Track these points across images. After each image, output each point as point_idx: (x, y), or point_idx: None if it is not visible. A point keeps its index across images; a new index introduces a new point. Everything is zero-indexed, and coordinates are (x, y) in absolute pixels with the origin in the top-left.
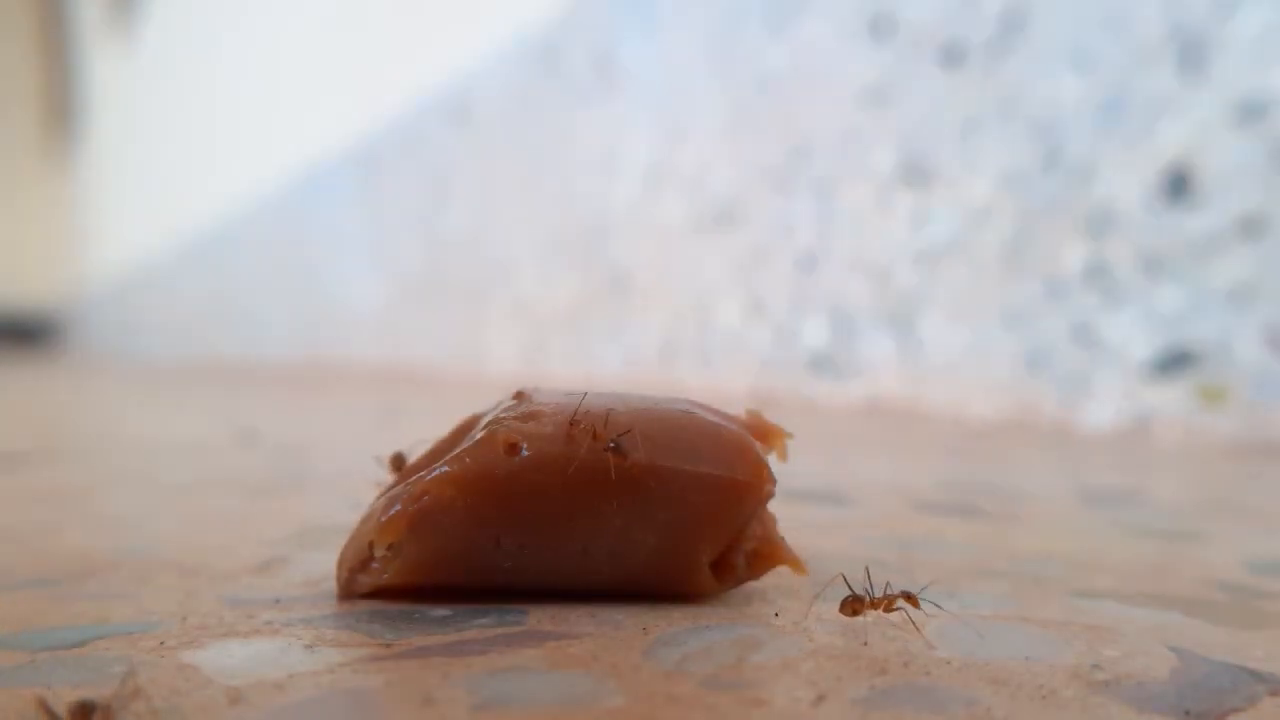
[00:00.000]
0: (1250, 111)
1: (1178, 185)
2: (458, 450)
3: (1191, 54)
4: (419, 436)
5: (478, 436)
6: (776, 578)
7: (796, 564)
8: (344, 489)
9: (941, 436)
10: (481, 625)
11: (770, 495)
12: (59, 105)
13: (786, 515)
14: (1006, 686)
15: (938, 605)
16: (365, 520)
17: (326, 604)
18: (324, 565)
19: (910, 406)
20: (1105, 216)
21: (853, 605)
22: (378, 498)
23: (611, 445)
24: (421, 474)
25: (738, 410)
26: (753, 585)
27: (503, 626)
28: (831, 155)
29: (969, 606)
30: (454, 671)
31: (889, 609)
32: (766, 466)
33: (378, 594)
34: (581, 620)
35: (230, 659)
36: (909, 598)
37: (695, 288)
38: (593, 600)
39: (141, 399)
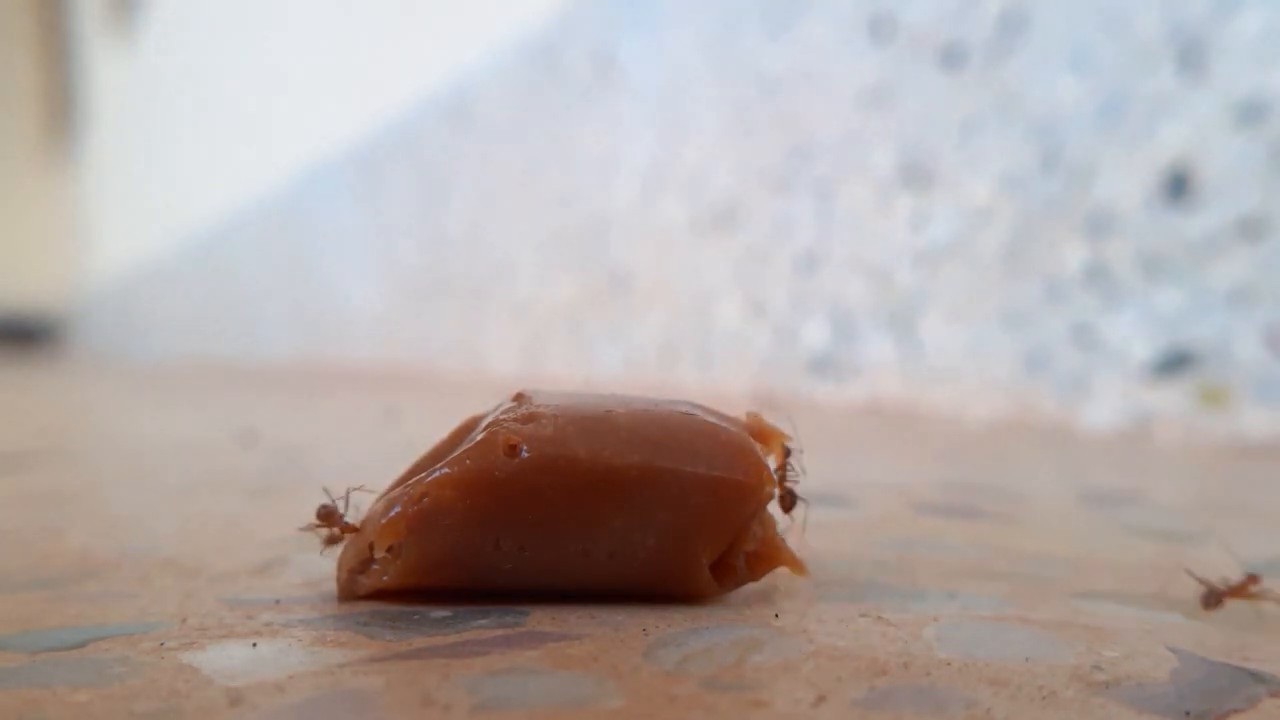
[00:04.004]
0: (1250, 112)
1: (1178, 186)
2: (458, 452)
3: (1191, 54)
4: (419, 437)
5: (478, 438)
6: (776, 579)
7: (796, 565)
8: (344, 490)
9: (942, 437)
10: (481, 626)
11: (770, 497)
12: (59, 105)
13: (786, 516)
14: (1006, 687)
15: None
16: (365, 522)
17: (326, 605)
18: (324, 566)
19: (910, 407)
20: (1105, 217)
21: (1218, 596)
22: (377, 499)
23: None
24: (421, 476)
25: (738, 411)
26: (753, 586)
27: (503, 628)
28: (831, 156)
29: (969, 607)
30: (454, 672)
31: (1244, 594)
32: (767, 468)
33: (378, 595)
34: (581, 621)
35: (230, 660)
36: (1254, 579)
37: (695, 288)
38: (593, 601)
39: (142, 399)
